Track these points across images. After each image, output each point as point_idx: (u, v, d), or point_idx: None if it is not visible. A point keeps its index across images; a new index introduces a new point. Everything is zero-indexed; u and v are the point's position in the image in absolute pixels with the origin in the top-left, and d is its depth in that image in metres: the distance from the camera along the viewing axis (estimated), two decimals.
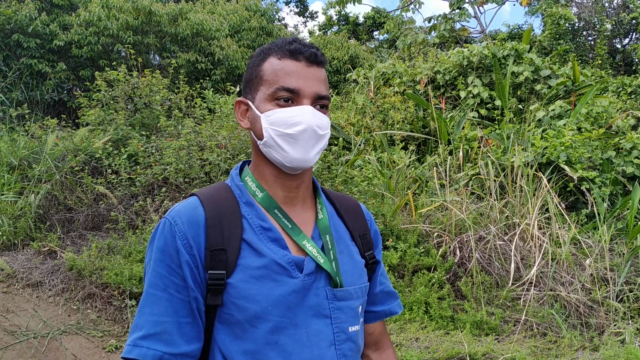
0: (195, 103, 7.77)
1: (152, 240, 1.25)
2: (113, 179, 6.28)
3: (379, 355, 1.47)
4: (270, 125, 1.23)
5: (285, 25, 21.33)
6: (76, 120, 8.56)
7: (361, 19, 22.55)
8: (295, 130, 1.20)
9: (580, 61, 14.49)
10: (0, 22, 11.32)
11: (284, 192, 1.29)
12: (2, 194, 6.42)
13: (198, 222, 1.21)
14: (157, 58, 13.29)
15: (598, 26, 16.25)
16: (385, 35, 19.92)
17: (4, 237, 5.94)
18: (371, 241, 1.41)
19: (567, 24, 15.21)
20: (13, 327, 4.55)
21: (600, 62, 14.07)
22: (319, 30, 23.21)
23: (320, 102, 1.25)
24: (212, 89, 10.10)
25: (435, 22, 14.80)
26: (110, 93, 7.75)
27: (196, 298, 1.19)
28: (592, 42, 16.28)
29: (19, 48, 11.38)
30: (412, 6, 16.26)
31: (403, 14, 17.87)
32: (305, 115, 1.21)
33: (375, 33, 22.78)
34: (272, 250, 1.22)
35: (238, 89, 8.86)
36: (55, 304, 4.99)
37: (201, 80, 11.65)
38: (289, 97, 1.22)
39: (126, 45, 10.63)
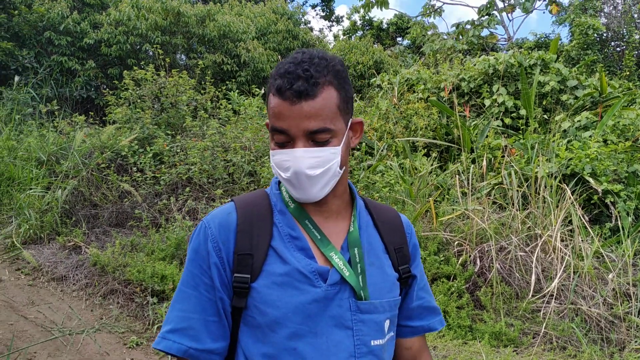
0: (221, 104, 7.86)
1: (190, 241, 1.32)
2: (138, 177, 6.38)
3: None
4: (274, 166, 1.26)
5: (311, 29, 21.39)
6: (103, 118, 8.71)
7: (385, 25, 22.54)
8: (287, 176, 1.21)
9: (608, 72, 14.30)
10: (33, 19, 11.57)
11: (314, 205, 1.30)
12: (30, 189, 6.57)
13: (229, 227, 1.27)
14: (184, 58, 13.45)
15: (627, 37, 16.01)
16: (408, 41, 19.88)
17: (31, 231, 6.08)
18: (408, 255, 1.39)
19: (595, 34, 15.01)
20: (37, 320, 4.65)
21: (628, 73, 13.86)
22: (344, 34, 23.25)
23: (315, 137, 1.18)
24: (237, 90, 10.20)
25: (463, 28, 14.72)
26: (137, 92, 7.87)
27: (222, 299, 1.24)
28: (621, 53, 16.05)
29: (50, 45, 11.62)
30: (434, 12, 16.20)
31: (425, 19, 17.83)
32: (293, 160, 1.19)
33: (399, 39, 22.75)
34: (297, 259, 1.24)
35: (263, 91, 8.93)
36: (79, 298, 5.09)
37: (227, 82, 11.77)
38: (284, 141, 1.21)
39: (154, 45, 10.79)
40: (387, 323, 1.31)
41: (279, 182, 1.36)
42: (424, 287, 1.44)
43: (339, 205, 1.34)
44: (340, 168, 1.25)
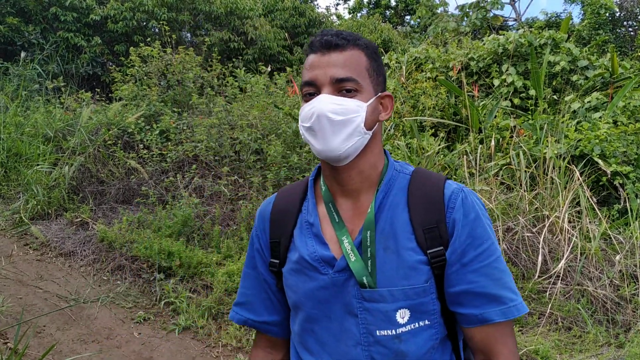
0: (227, 82, 7.81)
1: None
2: (144, 154, 6.38)
3: None
4: (300, 122, 1.26)
5: (317, 5, 21.16)
6: (109, 95, 8.69)
7: (393, 2, 22.25)
8: (310, 122, 1.21)
9: (619, 52, 14.10)
10: None
11: (339, 185, 1.29)
12: (38, 165, 6.58)
13: (265, 216, 1.40)
14: (190, 36, 13.35)
15: None
16: (418, 20, 19.65)
17: (39, 207, 6.10)
18: (444, 234, 1.22)
19: (607, 14, 14.78)
20: (46, 294, 4.69)
21: None
22: (349, 13, 22.99)
23: (341, 86, 1.20)
24: (244, 68, 10.13)
25: (468, 10, 14.54)
26: (143, 69, 7.84)
27: (266, 280, 1.40)
28: (633, 33, 15.81)
29: (56, 21, 11.54)
30: None
31: None
32: (317, 105, 1.19)
33: (407, 18, 22.48)
34: (307, 246, 1.28)
35: (269, 69, 8.87)
36: (87, 273, 5.13)
37: (233, 59, 11.68)
38: (312, 91, 1.23)
39: (161, 22, 10.71)
40: (401, 312, 1.22)
41: (318, 170, 1.40)
42: (479, 270, 1.22)
43: (364, 184, 1.28)
44: (367, 129, 1.22)
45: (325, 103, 1.19)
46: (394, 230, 1.24)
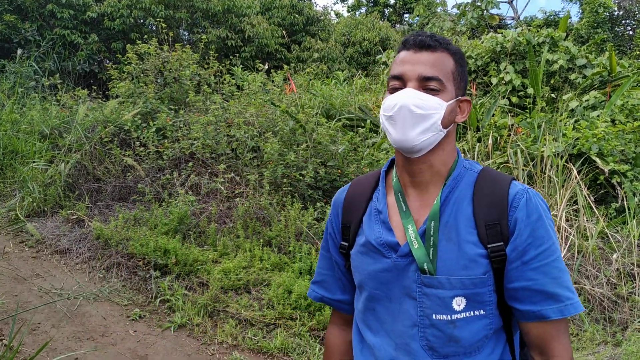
0: (224, 79, 7.79)
1: None
2: (141, 151, 6.35)
3: None
4: (382, 112, 1.36)
5: (315, 3, 21.14)
6: (106, 92, 8.66)
7: (392, 0, 22.23)
8: (392, 112, 1.30)
9: (618, 51, 14.10)
10: None
11: (409, 176, 1.38)
12: (34, 162, 6.55)
13: (338, 203, 1.54)
14: (187, 33, 13.32)
15: (638, 15, 15.76)
16: (416, 18, 19.62)
17: (34, 204, 6.08)
18: (505, 231, 1.28)
19: (606, 12, 14.78)
20: (41, 291, 4.67)
21: (639, 52, 13.67)
22: (348, 11, 22.96)
23: (426, 84, 1.30)
24: (241, 65, 10.10)
25: (464, 9, 14.52)
26: (140, 66, 7.80)
27: (337, 262, 1.54)
28: (632, 32, 15.81)
29: (53, 18, 11.50)
30: None
31: None
32: (402, 97, 1.29)
33: (406, 16, 22.46)
34: (374, 231, 1.40)
35: (267, 67, 8.84)
36: (82, 271, 5.10)
37: (231, 57, 11.67)
38: (398, 86, 1.32)
39: (158, 19, 10.67)
40: (457, 300, 1.29)
41: (391, 162, 1.51)
42: (539, 268, 1.27)
43: (433, 177, 1.37)
44: (443, 127, 1.32)
45: (410, 97, 1.29)
46: (457, 223, 1.32)
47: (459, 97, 1.37)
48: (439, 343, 1.32)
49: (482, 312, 1.31)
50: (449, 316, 1.30)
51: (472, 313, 1.30)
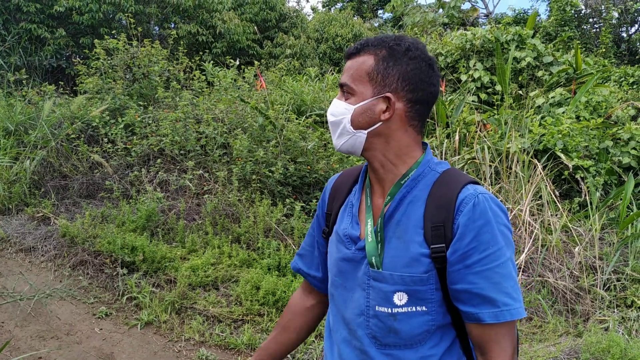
0: (194, 75, 7.73)
1: None
2: (109, 148, 6.27)
3: None
4: None
5: (288, 0, 21.07)
6: (74, 88, 8.51)
7: None
8: None
9: (584, 49, 14.38)
10: None
11: (372, 173, 1.46)
12: None
13: (327, 190, 1.64)
14: (157, 28, 13.16)
15: (604, 14, 16.09)
16: (389, 14, 19.71)
17: None
18: (449, 234, 1.31)
19: (573, 11, 15.06)
20: (3, 290, 4.58)
21: (604, 50, 13.96)
22: (323, 7, 22.96)
23: (342, 90, 1.40)
24: (212, 62, 10.02)
25: (443, 1, 14.58)
26: (109, 62, 7.70)
27: (318, 241, 1.64)
28: (598, 30, 16.14)
29: (19, 12, 11.25)
30: None
31: None
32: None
33: (380, 12, 22.55)
34: (343, 222, 1.49)
35: (238, 63, 8.80)
36: (48, 269, 5.02)
37: (201, 53, 11.56)
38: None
39: (127, 14, 10.52)
40: (399, 295, 1.35)
41: None
42: (480, 273, 1.29)
43: (388, 175, 1.42)
44: (355, 128, 1.38)
45: (330, 106, 1.42)
46: (408, 222, 1.36)
47: (382, 95, 1.37)
48: (380, 333, 1.38)
49: (423, 308, 1.35)
50: (389, 309, 1.36)
51: (413, 308, 1.35)
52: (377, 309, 1.37)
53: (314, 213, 5.54)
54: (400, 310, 1.35)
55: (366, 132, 1.38)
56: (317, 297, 1.72)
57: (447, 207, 1.32)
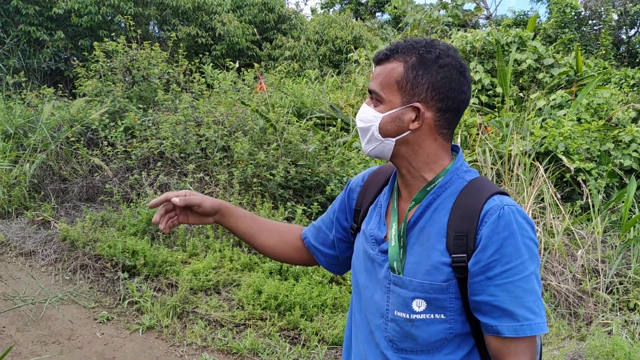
0: (194, 78, 7.70)
1: None
2: (109, 151, 6.25)
3: None
4: None
5: (287, 0, 21.05)
6: (73, 91, 8.49)
7: None
8: None
9: (584, 51, 14.38)
10: None
11: (400, 178, 1.47)
12: None
13: (358, 182, 1.65)
14: (157, 30, 13.14)
15: (604, 16, 16.10)
16: (387, 15, 19.70)
17: None
18: (471, 244, 1.29)
19: (573, 13, 15.06)
20: (5, 295, 4.56)
21: (604, 52, 13.97)
22: (321, 8, 22.96)
23: (372, 96, 1.39)
24: (211, 64, 10.01)
25: (446, 1, 14.53)
26: (108, 64, 7.67)
27: (338, 218, 1.67)
28: (598, 32, 16.15)
29: (18, 14, 11.22)
30: None
31: None
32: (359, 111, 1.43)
33: (378, 14, 22.55)
34: (370, 222, 1.51)
35: (237, 65, 8.78)
36: (48, 273, 4.99)
37: (201, 55, 11.55)
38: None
39: (126, 16, 10.50)
40: (418, 302, 1.34)
41: None
42: (502, 286, 1.27)
43: (415, 181, 1.43)
44: (383, 136, 1.37)
45: (359, 112, 1.42)
46: (431, 230, 1.36)
47: (411, 104, 1.35)
48: (397, 337, 1.39)
49: (442, 316, 1.34)
50: (408, 315, 1.36)
51: (431, 316, 1.34)
52: (395, 313, 1.38)
53: (315, 216, 5.52)
54: (418, 316, 1.35)
55: (394, 140, 1.37)
56: (303, 252, 1.75)
57: (472, 217, 1.31)
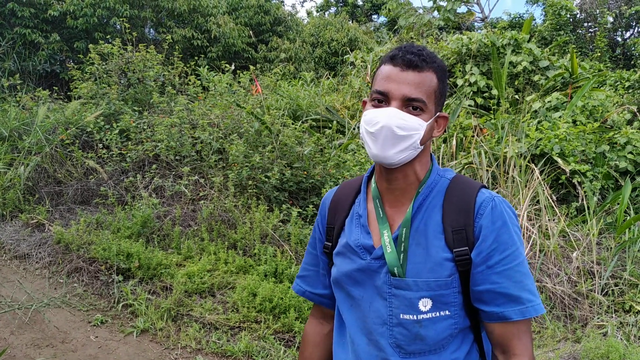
0: (189, 80, 7.69)
1: None
2: (104, 153, 6.23)
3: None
4: (363, 123, 1.41)
5: (282, 3, 21.07)
6: (68, 93, 8.47)
7: (360, 1, 22.33)
8: (374, 129, 1.35)
9: (579, 53, 14.43)
10: None
11: (386, 183, 1.46)
12: None
13: (325, 204, 1.63)
14: (153, 33, 13.13)
15: (599, 18, 16.15)
16: (383, 18, 19.73)
17: None
18: (471, 237, 1.37)
19: (568, 15, 15.11)
20: None
21: (599, 54, 14.00)
22: (317, 11, 22.99)
23: (410, 104, 1.35)
24: (207, 66, 10.00)
25: (440, 3, 14.56)
26: (103, 67, 7.65)
27: (322, 260, 1.63)
28: (593, 34, 16.20)
29: (13, 17, 11.20)
30: None
31: None
32: (385, 116, 1.34)
33: (374, 16, 22.58)
34: (353, 234, 1.49)
35: (233, 67, 8.78)
36: (42, 276, 4.97)
37: (196, 57, 11.54)
38: (382, 99, 1.37)
39: (122, 19, 10.49)
40: (424, 301, 1.38)
41: (373, 168, 1.57)
42: (503, 272, 1.35)
43: (407, 185, 1.45)
44: (421, 144, 1.39)
45: (393, 117, 1.34)
46: (427, 228, 1.40)
47: (438, 114, 1.43)
48: (405, 341, 1.40)
49: (447, 312, 1.39)
50: (415, 316, 1.38)
51: (437, 313, 1.38)
52: (401, 316, 1.40)
53: (311, 219, 5.51)
54: (425, 316, 1.38)
55: (422, 147, 1.42)
56: (331, 320, 1.68)
57: (467, 211, 1.38)
